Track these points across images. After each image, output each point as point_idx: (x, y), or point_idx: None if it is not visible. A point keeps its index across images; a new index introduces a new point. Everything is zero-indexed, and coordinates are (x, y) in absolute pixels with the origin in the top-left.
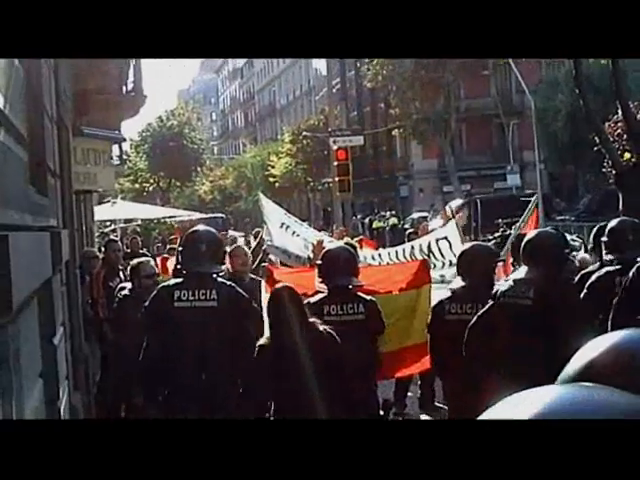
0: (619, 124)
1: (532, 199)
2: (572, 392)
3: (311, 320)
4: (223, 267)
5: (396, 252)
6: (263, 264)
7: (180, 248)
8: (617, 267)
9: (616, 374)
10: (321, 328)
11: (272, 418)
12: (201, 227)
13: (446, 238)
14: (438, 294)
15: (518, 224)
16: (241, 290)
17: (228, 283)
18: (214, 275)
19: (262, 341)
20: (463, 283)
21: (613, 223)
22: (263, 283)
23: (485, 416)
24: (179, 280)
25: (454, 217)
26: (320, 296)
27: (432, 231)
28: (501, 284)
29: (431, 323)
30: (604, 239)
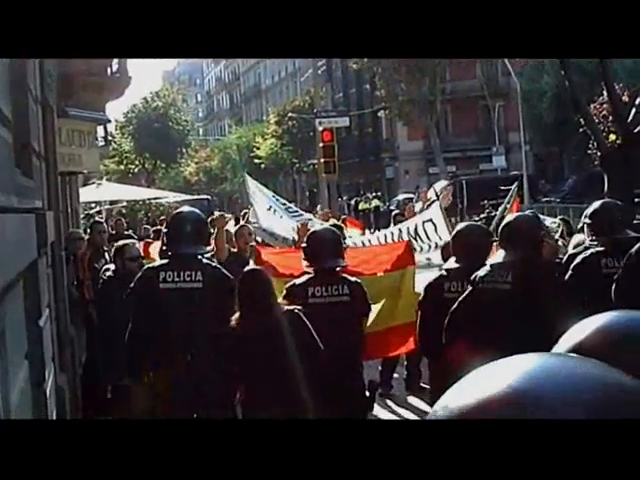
0: (604, 106)
1: (512, 187)
2: (554, 361)
3: (280, 301)
4: (208, 248)
5: (385, 235)
6: (252, 245)
7: (165, 229)
8: (601, 249)
9: (603, 356)
10: (290, 309)
11: (242, 400)
12: (186, 208)
13: (431, 220)
14: (425, 277)
15: (502, 207)
16: (226, 271)
17: (213, 264)
18: (199, 256)
19: (232, 324)
20: (457, 265)
21: (596, 205)
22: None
23: (463, 382)
24: (165, 261)
25: (438, 198)
26: (305, 277)
27: (418, 213)
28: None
29: (426, 301)
30: (587, 221)
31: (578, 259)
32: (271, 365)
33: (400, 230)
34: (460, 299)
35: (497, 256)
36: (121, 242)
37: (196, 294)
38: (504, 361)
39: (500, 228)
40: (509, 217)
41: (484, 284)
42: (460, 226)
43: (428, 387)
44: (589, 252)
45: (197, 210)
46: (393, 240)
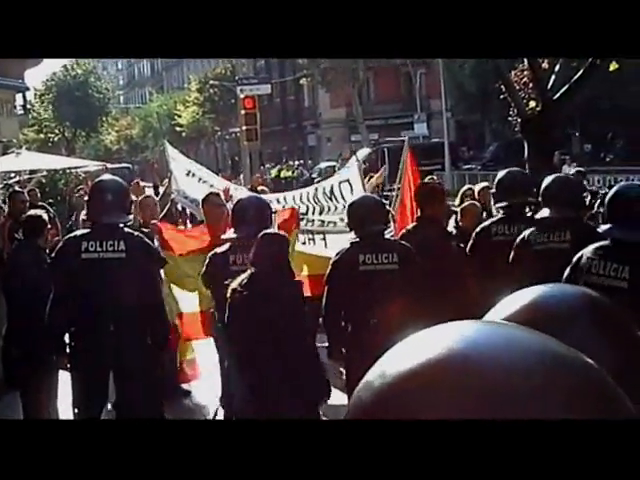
0: (525, 73)
1: (405, 146)
2: (490, 328)
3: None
4: (131, 217)
5: (300, 195)
6: (153, 222)
7: (87, 198)
8: (496, 218)
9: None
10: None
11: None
12: (107, 177)
13: (348, 181)
14: (334, 239)
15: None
16: (149, 240)
17: (136, 233)
18: (122, 225)
19: (235, 285)
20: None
21: (501, 174)
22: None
23: (400, 348)
24: (86, 231)
25: (359, 161)
26: (227, 246)
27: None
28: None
29: (338, 275)
30: (492, 190)
31: (478, 228)
32: (269, 331)
33: (316, 189)
34: (510, 259)
35: (542, 213)
36: (29, 213)
37: (119, 264)
38: (440, 327)
39: (544, 187)
40: (551, 177)
41: (538, 245)
42: (355, 198)
43: None
44: (485, 223)
45: (118, 178)
46: (309, 199)
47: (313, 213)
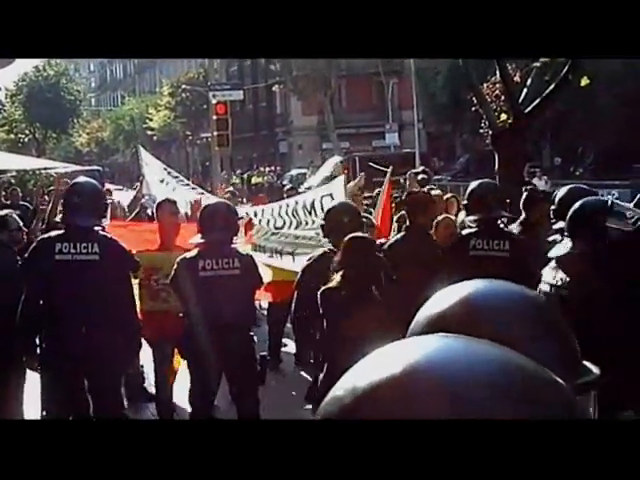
0: (497, 85)
1: (388, 170)
2: (453, 343)
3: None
4: (106, 220)
5: (279, 207)
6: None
7: (61, 200)
8: (471, 230)
9: (465, 325)
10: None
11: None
12: (82, 179)
13: (331, 195)
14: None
15: (380, 196)
16: (123, 243)
17: (109, 236)
18: (96, 228)
19: (333, 284)
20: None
21: (473, 185)
22: None
23: (366, 362)
24: (60, 232)
25: (343, 173)
26: (196, 251)
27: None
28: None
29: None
30: (464, 202)
31: (454, 241)
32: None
33: (296, 202)
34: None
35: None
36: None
37: (92, 266)
38: (403, 342)
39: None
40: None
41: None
42: (332, 204)
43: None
44: (461, 235)
45: (93, 181)
46: (287, 213)
47: (289, 227)
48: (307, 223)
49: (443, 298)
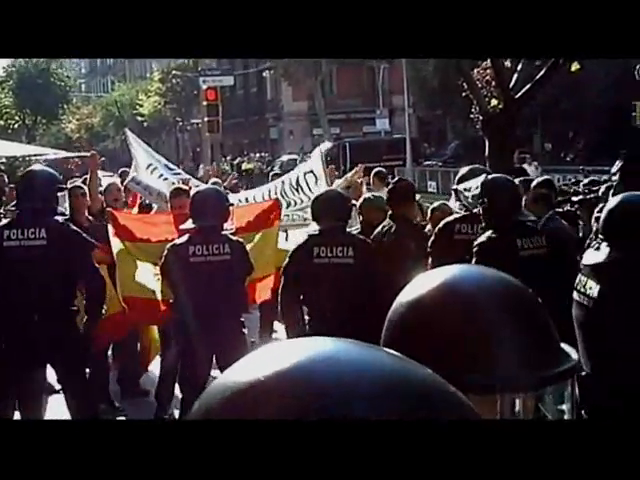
0: (487, 71)
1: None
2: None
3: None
4: (60, 207)
5: (269, 190)
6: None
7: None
8: (463, 214)
9: (443, 309)
10: None
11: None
12: (37, 167)
13: (312, 172)
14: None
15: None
16: (73, 227)
17: (60, 220)
18: (47, 213)
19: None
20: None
21: (463, 170)
22: (110, 227)
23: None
24: (9, 219)
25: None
26: (186, 236)
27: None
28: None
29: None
30: (454, 187)
31: (440, 224)
32: None
33: (283, 182)
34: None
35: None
36: None
37: (39, 252)
38: (292, 342)
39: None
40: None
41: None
42: (321, 190)
43: None
44: (451, 217)
45: (49, 169)
46: (277, 193)
47: (286, 208)
48: (295, 203)
49: (421, 283)
